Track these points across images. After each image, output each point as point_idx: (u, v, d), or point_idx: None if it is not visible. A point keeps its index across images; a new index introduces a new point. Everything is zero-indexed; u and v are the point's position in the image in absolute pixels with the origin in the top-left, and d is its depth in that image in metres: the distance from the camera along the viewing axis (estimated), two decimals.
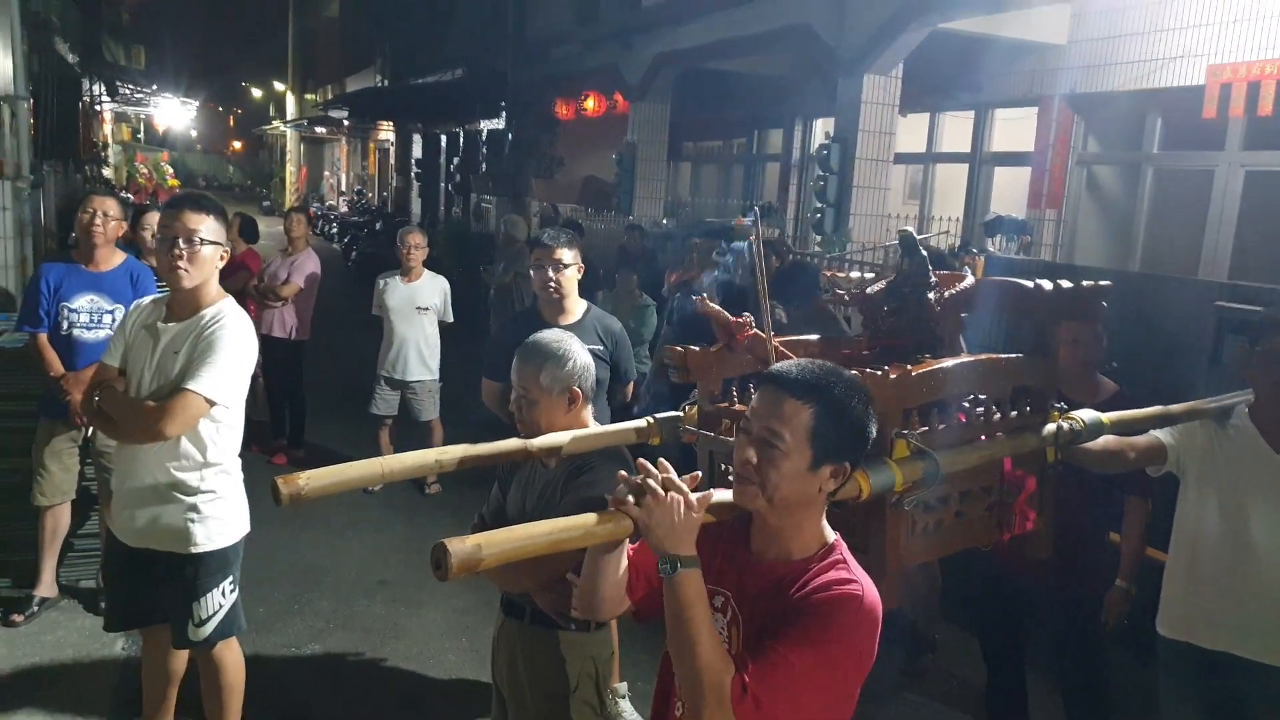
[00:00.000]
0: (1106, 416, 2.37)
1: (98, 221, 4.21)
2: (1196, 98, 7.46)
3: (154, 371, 2.90)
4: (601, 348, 3.90)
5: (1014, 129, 9.78)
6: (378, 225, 19.79)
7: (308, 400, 7.06)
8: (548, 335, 2.50)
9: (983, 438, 2.15)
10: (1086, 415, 2.32)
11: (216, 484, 2.97)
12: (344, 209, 26.45)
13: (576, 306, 3.95)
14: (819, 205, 8.98)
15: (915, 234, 2.35)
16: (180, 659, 3.24)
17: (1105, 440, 2.45)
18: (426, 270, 6.39)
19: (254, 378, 7.10)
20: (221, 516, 2.99)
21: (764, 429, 1.62)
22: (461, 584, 4.71)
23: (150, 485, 2.93)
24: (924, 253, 2.33)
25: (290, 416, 6.96)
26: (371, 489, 6.04)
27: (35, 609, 4.22)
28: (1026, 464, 2.27)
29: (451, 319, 6.48)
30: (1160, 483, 2.92)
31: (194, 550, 2.95)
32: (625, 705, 2.69)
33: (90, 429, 4.21)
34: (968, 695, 4.08)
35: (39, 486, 4.21)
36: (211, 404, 2.84)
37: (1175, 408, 2.63)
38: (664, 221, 11.49)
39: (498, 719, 2.67)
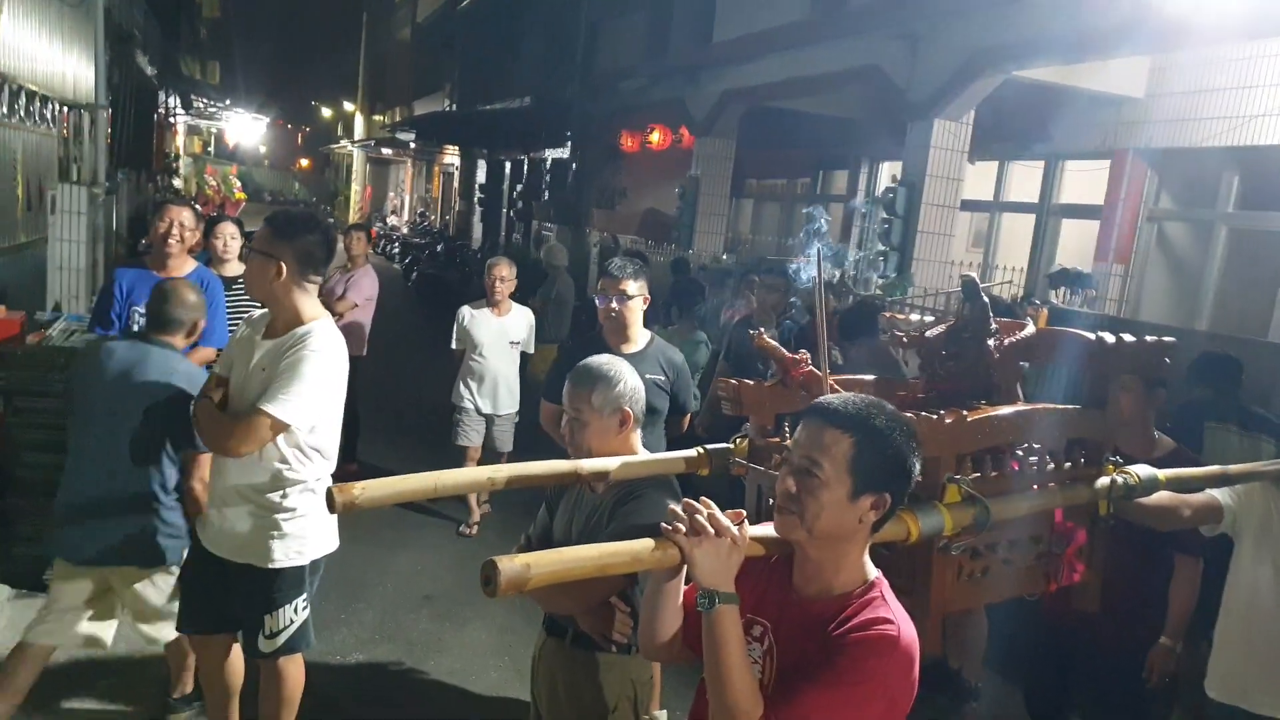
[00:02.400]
0: (1163, 473, 2.32)
1: (175, 231, 4.35)
2: (1277, 157, 7.32)
3: (243, 385, 2.95)
4: (663, 377, 3.96)
5: (1084, 181, 9.66)
6: (439, 247, 20.15)
7: (363, 416, 7.16)
8: (598, 359, 2.53)
9: (1034, 487, 2.12)
10: (1142, 471, 2.29)
11: (299, 502, 2.97)
12: (405, 230, 26.93)
13: (640, 336, 4.02)
14: (882, 248, 8.95)
15: (978, 280, 2.34)
16: (237, 668, 3.26)
17: (1160, 496, 2.41)
18: (514, 303, 6.19)
19: None
20: (301, 535, 2.99)
21: (804, 458, 1.63)
22: (506, 604, 4.74)
23: (235, 497, 2.97)
24: (985, 299, 2.32)
25: (344, 432, 7.03)
26: (471, 529, 6.06)
27: None
28: (1078, 516, 2.24)
29: (533, 350, 6.38)
30: (1212, 543, 2.86)
31: (270, 566, 2.97)
32: None
33: None
34: None
35: None
36: (285, 426, 2.84)
37: (1234, 468, 2.59)
38: (724, 257, 11.52)
39: None
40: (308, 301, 2.98)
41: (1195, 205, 8.86)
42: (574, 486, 2.55)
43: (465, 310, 6.16)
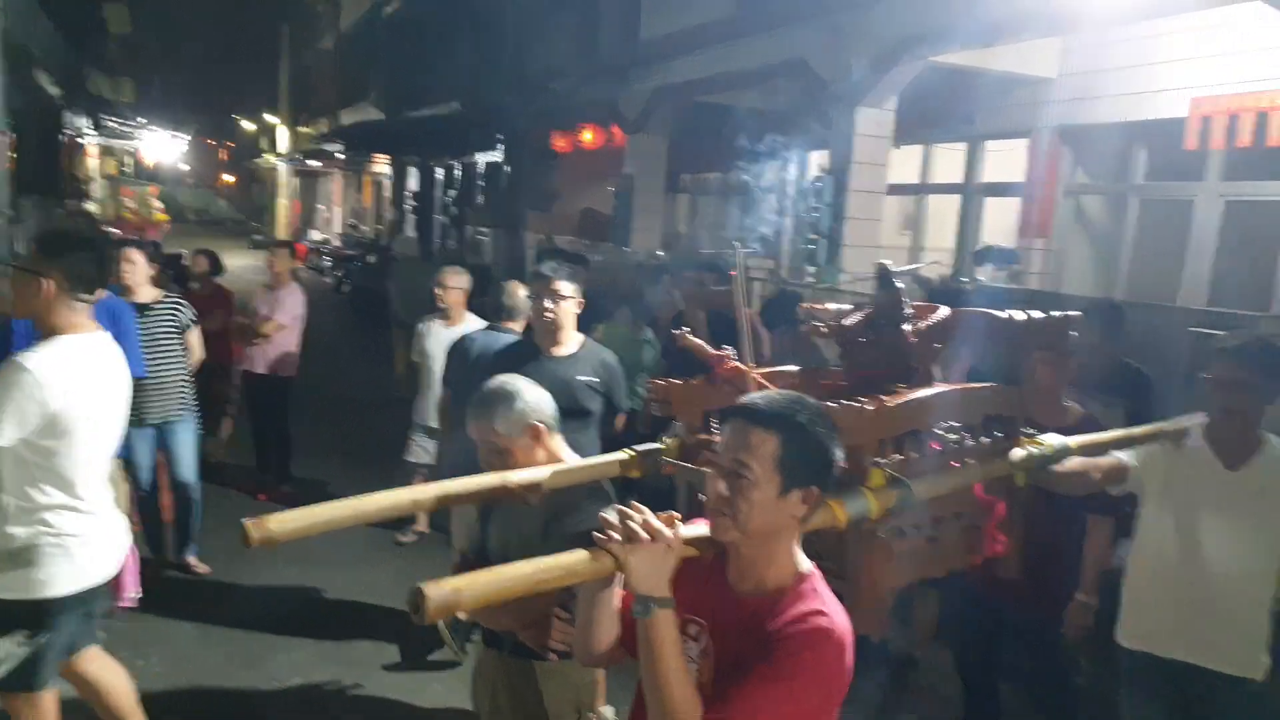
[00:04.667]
0: (1073, 441, 2.40)
1: None
2: (1179, 130, 7.58)
3: None
4: (596, 379, 3.98)
5: (1005, 160, 9.90)
6: (371, 258, 19.88)
7: (299, 436, 7.04)
8: (490, 384, 2.52)
9: (955, 465, 2.17)
10: (1054, 440, 2.36)
11: (23, 533, 2.83)
12: (337, 243, 26.50)
13: (572, 338, 4.01)
14: (812, 237, 9.06)
15: (891, 267, 2.39)
16: (106, 686, 3.17)
17: (1072, 463, 2.50)
18: (470, 314, 5.88)
19: (224, 417, 7.04)
20: (30, 568, 2.85)
21: (733, 460, 1.64)
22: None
23: None
24: (899, 285, 2.36)
25: (276, 454, 6.92)
26: (408, 539, 5.97)
27: None
28: (996, 489, 2.30)
29: None
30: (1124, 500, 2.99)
31: None
32: None
33: None
34: (948, 710, 4.10)
35: None
36: None
37: (1136, 430, 2.73)
38: (660, 254, 11.55)
39: None
40: (70, 319, 2.86)
41: (1108, 179, 9.14)
42: (506, 500, 2.53)
43: (422, 322, 5.96)
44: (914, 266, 9.30)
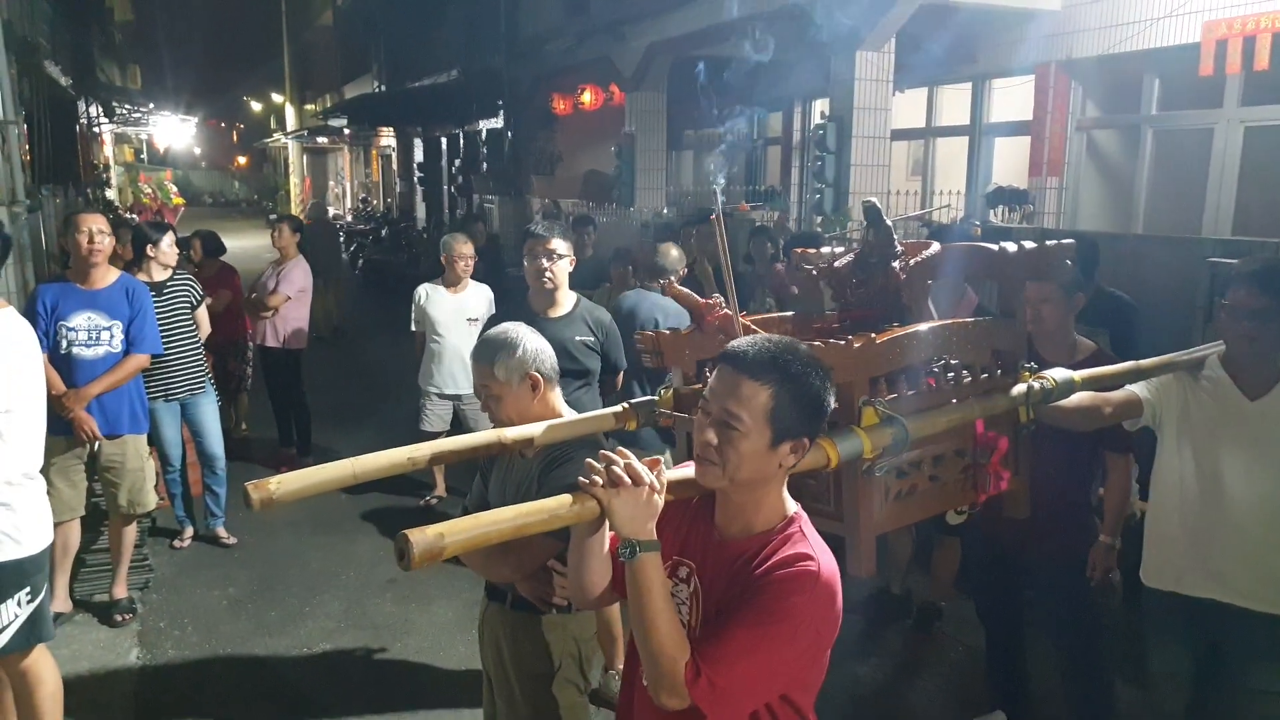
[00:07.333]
0: (1078, 374, 2.35)
1: (97, 241, 4.26)
2: (1193, 56, 7.40)
3: None
4: (592, 338, 3.97)
5: (1012, 98, 9.72)
6: (383, 232, 19.87)
7: (318, 408, 7.12)
8: (494, 330, 2.54)
9: (953, 401, 2.14)
10: (1058, 374, 2.31)
11: (3, 497, 2.89)
12: (348, 218, 26.52)
13: (567, 299, 4.00)
14: (819, 185, 8.96)
15: (879, 205, 2.35)
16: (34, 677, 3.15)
17: (1080, 397, 2.44)
18: (470, 279, 5.91)
19: (240, 390, 7.14)
20: (10, 529, 2.90)
21: (722, 410, 1.60)
22: (470, 579, 4.73)
23: None
24: (889, 223, 2.33)
25: (295, 425, 7.01)
26: (428, 502, 6.05)
27: None
28: (999, 425, 2.25)
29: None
30: (1143, 438, 2.92)
31: None
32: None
33: (95, 445, 4.27)
34: (974, 659, 4.10)
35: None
36: None
37: (1146, 362, 2.63)
38: (665, 212, 11.48)
39: (488, 701, 2.70)
40: None
41: (1120, 111, 8.95)
42: (504, 454, 2.54)
43: (421, 290, 5.87)
44: (923, 211, 9.23)
